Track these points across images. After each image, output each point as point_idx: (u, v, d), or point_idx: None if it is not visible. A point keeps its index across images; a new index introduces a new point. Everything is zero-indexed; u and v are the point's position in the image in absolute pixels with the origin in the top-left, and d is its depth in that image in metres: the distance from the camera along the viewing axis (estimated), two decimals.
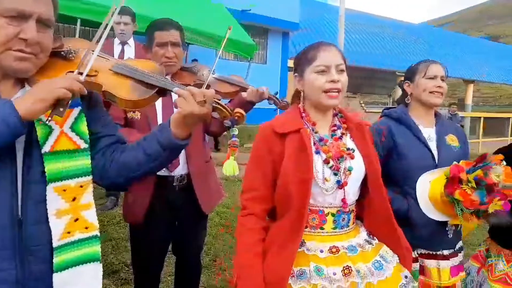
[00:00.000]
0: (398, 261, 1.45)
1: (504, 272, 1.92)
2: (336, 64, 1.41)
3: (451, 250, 1.89)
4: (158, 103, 2.02)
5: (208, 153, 2.31)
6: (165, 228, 2.13)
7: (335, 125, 1.50)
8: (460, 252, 1.95)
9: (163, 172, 2.00)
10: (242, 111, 1.26)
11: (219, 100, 1.23)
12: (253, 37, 10.74)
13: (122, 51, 3.75)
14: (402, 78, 2.06)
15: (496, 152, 1.94)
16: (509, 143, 2.05)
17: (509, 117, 16.54)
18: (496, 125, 16.77)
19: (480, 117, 15.88)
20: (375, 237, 1.49)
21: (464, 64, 18.76)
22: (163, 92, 1.21)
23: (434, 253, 1.85)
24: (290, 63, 11.70)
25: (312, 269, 1.33)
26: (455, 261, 1.89)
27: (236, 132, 1.74)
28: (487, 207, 1.57)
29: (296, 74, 1.52)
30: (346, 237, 1.43)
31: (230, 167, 2.03)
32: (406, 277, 1.43)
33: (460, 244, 1.95)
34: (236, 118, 1.26)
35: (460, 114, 13.71)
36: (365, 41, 16.69)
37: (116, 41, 3.77)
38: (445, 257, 1.87)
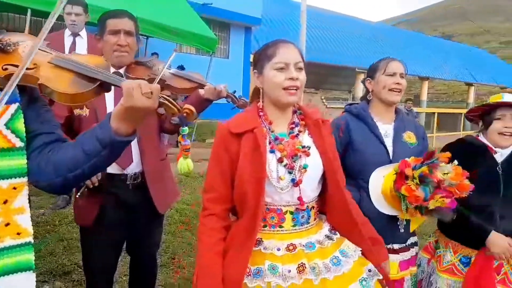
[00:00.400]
0: (360, 255, 1.47)
1: (451, 262, 2.00)
2: (295, 62, 1.42)
3: (402, 245, 1.94)
4: (110, 99, 1.94)
5: (164, 150, 2.24)
6: (118, 228, 2.05)
7: (293, 123, 1.51)
8: (413, 248, 2.00)
9: (115, 170, 1.93)
10: (191, 107, 1.22)
11: (168, 96, 1.18)
12: (214, 31, 10.61)
13: (74, 43, 3.56)
14: (364, 75, 2.10)
15: (445, 147, 2.02)
16: (457, 138, 2.14)
17: (462, 113, 17.35)
18: (449, 120, 17.58)
19: (434, 113, 16.57)
20: (337, 232, 1.51)
21: (419, 62, 19.45)
22: (106, 86, 1.14)
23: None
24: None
25: (267, 268, 1.34)
26: (405, 255, 1.95)
27: (186, 132, 1.64)
28: (429, 203, 1.61)
29: (255, 71, 1.51)
30: (306, 234, 1.45)
31: (184, 165, 1.95)
32: (369, 270, 1.45)
33: (413, 239, 2.01)
34: (184, 115, 1.22)
35: (416, 109, 14.22)
36: (326, 38, 16.95)
37: (67, 32, 3.57)
38: (395, 251, 1.92)
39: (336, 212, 1.50)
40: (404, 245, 1.95)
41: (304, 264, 1.34)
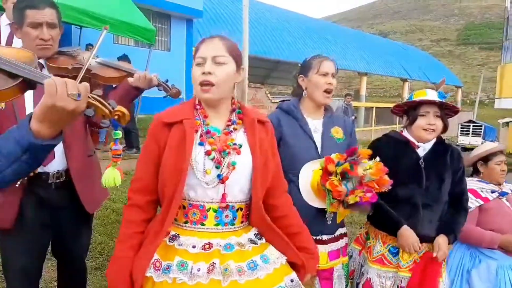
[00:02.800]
0: (283, 263, 1.43)
1: (381, 253, 2.08)
2: (212, 56, 1.38)
3: (331, 236, 2.00)
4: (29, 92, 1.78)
5: (91, 146, 2.11)
6: (40, 230, 1.90)
7: (230, 120, 1.47)
8: (342, 238, 2.06)
9: None
10: (124, 109, 1.10)
11: (99, 95, 1.07)
12: (154, 22, 10.26)
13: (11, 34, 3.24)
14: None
15: (373, 142, 2.10)
16: (383, 133, 2.22)
17: None
18: (386, 114, 18.44)
19: (372, 107, 17.33)
20: (262, 238, 1.47)
21: (359, 58, 20.19)
22: (29, 84, 1.01)
23: (314, 238, 1.89)
24: None
25: (175, 263, 1.31)
26: (334, 246, 2.00)
27: (120, 136, 1.48)
28: (349, 198, 1.66)
29: None
30: (229, 235, 1.39)
31: (110, 178, 1.69)
32: (292, 280, 1.40)
33: (342, 230, 2.06)
34: (116, 118, 1.11)
35: (356, 104, 14.77)
36: (270, 33, 17.03)
37: (5, 20, 3.23)
38: (324, 242, 1.97)
39: (254, 216, 1.45)
40: (333, 236, 2.01)
41: (215, 264, 1.29)
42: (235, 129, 1.44)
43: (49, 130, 0.94)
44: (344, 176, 1.66)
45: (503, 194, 2.39)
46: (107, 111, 1.06)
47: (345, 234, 2.09)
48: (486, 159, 2.42)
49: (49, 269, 2.92)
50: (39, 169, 1.79)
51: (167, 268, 1.31)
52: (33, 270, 1.99)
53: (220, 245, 1.35)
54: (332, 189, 1.66)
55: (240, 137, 1.44)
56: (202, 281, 1.26)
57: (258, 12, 16.36)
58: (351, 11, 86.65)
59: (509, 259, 2.33)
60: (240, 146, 1.41)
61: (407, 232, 1.98)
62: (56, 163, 1.85)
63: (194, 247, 1.34)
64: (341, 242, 2.05)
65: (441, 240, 2.00)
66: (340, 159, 1.70)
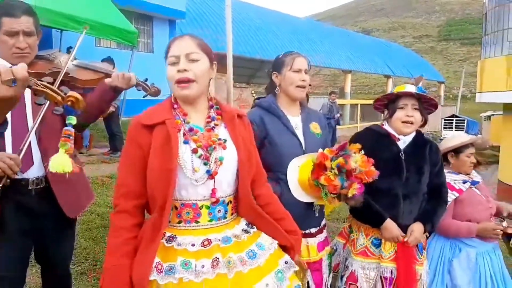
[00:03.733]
0: (276, 248, 1.49)
1: (364, 245, 2.12)
2: (186, 53, 1.40)
3: (317, 228, 2.04)
4: None
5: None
6: (21, 238, 1.86)
7: (209, 117, 1.48)
8: (324, 229, 2.11)
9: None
10: (77, 95, 1.09)
11: (49, 82, 1.05)
12: (136, 24, 10.17)
13: None
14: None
15: (354, 136, 2.12)
16: (364, 127, 2.25)
17: None
18: (371, 111, 18.60)
19: (357, 104, 17.49)
20: (254, 226, 1.51)
21: (343, 56, 20.33)
22: None
23: (303, 232, 1.93)
24: None
25: (179, 264, 1.31)
26: (320, 237, 2.06)
27: (74, 122, 1.45)
28: (347, 192, 1.73)
29: None
30: (224, 228, 1.42)
31: (57, 162, 1.56)
32: (286, 262, 1.47)
33: (324, 221, 2.12)
34: (69, 103, 1.10)
35: (341, 101, 14.86)
36: (254, 33, 17.03)
37: None
38: (312, 235, 2.01)
39: (243, 207, 1.50)
40: (319, 227, 2.06)
41: (218, 259, 1.32)
42: (216, 125, 1.47)
43: None
44: (339, 170, 1.72)
45: (474, 183, 2.44)
46: (59, 97, 1.05)
47: (325, 225, 2.14)
48: (457, 150, 2.46)
49: (34, 276, 2.88)
50: (19, 176, 1.77)
51: (169, 269, 1.30)
52: (17, 277, 1.95)
53: (218, 240, 1.37)
54: (328, 184, 1.71)
55: (222, 132, 1.47)
56: (209, 277, 1.28)
57: (241, 12, 16.34)
58: (333, 9, 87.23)
59: (487, 245, 2.40)
60: (225, 141, 1.44)
61: (391, 225, 2.03)
62: (35, 169, 1.82)
63: (193, 245, 1.35)
64: (324, 233, 2.10)
65: (416, 226, 2.05)
66: (331, 154, 1.76)
